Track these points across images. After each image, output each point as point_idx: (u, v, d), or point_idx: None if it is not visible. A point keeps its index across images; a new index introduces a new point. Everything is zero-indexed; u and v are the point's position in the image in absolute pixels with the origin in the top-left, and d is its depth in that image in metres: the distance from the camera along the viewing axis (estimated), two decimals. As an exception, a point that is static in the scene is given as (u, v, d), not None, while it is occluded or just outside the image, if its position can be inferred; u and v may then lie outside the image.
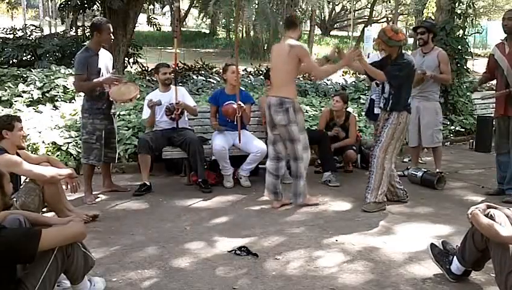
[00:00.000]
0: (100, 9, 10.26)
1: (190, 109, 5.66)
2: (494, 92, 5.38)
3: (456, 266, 3.17)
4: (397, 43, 4.59)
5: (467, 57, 8.87)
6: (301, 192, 4.76)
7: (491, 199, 5.01)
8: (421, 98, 5.75)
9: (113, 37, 5.09)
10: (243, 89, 6.00)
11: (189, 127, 5.76)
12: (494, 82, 5.32)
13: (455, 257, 3.17)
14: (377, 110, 6.03)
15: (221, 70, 8.73)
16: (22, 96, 7.23)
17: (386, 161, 4.72)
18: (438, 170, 5.87)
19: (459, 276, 3.18)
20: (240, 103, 5.50)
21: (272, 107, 4.69)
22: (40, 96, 7.39)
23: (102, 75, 4.95)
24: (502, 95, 5.01)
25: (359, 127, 7.27)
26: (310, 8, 23.66)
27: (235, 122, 5.55)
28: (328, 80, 11.53)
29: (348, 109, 6.43)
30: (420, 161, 6.44)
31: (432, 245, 3.37)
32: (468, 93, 9.03)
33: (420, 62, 5.74)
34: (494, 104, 5.50)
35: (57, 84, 7.61)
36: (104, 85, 4.94)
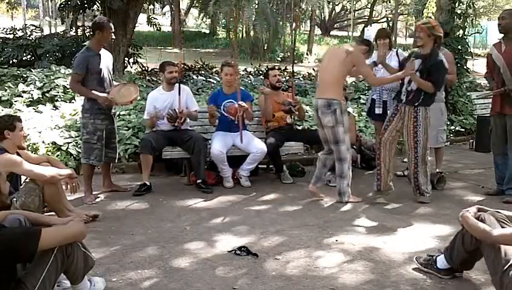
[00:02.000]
0: (100, 9, 10.25)
1: (192, 116, 5.66)
2: (491, 91, 5.37)
3: (442, 262, 3.24)
4: (437, 34, 4.74)
5: (467, 57, 8.88)
6: (345, 191, 4.91)
7: (491, 199, 5.03)
8: None
9: (114, 37, 5.08)
10: (242, 88, 6.00)
11: (190, 128, 5.76)
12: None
13: (441, 255, 3.26)
14: (378, 110, 6.04)
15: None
16: (22, 96, 7.23)
17: (427, 156, 4.93)
18: (438, 170, 5.87)
19: (449, 271, 3.23)
20: (241, 102, 5.51)
21: (319, 109, 4.85)
22: (40, 96, 7.39)
23: (103, 76, 4.95)
24: (498, 93, 5.02)
25: (359, 127, 7.28)
26: (310, 8, 23.69)
27: (237, 122, 5.56)
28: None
29: (348, 109, 6.41)
30: None
31: (417, 257, 3.46)
32: (468, 93, 9.03)
33: None
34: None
35: (57, 84, 7.61)
36: (105, 85, 4.95)
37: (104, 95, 4.89)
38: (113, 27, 5.00)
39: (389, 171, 5.04)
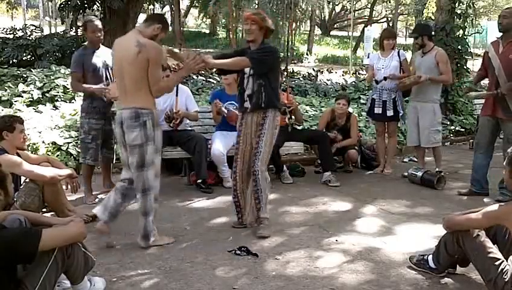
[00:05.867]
0: (100, 9, 10.26)
1: (191, 116, 5.63)
2: (485, 91, 5.33)
3: (432, 262, 3.28)
4: (269, 26, 3.98)
5: (467, 57, 8.90)
6: (151, 230, 3.75)
7: (491, 198, 5.02)
8: (419, 98, 5.79)
9: (99, 35, 4.94)
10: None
11: (189, 128, 5.75)
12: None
13: (430, 256, 3.30)
14: (377, 110, 6.06)
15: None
16: (22, 96, 7.23)
17: (267, 172, 4.11)
18: (437, 169, 5.88)
19: (441, 269, 3.26)
20: None
21: (124, 122, 3.66)
22: (40, 96, 7.39)
23: (100, 73, 4.95)
24: (490, 96, 4.96)
25: (359, 127, 7.29)
26: (310, 8, 23.71)
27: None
28: (327, 80, 11.55)
29: (348, 110, 6.43)
30: (415, 160, 6.50)
31: (410, 257, 3.48)
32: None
33: (420, 62, 5.77)
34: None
35: (57, 84, 7.61)
36: (103, 82, 4.94)
37: (100, 86, 4.87)
38: (98, 25, 4.94)
39: (250, 203, 4.17)
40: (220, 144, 5.47)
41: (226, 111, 5.53)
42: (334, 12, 34.75)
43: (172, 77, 3.90)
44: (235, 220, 4.27)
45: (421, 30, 5.86)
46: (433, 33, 6.00)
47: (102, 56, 5.00)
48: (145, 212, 3.72)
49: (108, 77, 5.08)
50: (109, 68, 5.08)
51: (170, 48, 4.01)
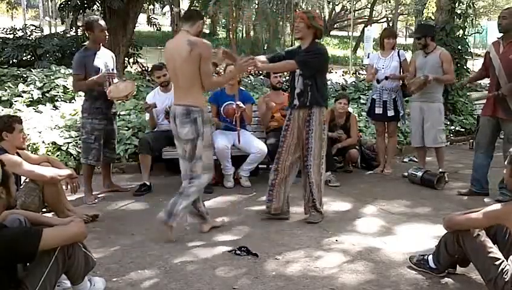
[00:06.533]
0: (100, 9, 10.23)
1: None
2: (486, 92, 5.33)
3: (432, 262, 3.29)
4: (318, 26, 4.22)
5: (467, 57, 8.90)
6: (178, 214, 3.86)
7: (490, 198, 5.02)
8: (425, 98, 5.76)
9: (107, 34, 5.02)
10: (243, 89, 6.00)
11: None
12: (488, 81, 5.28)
13: (430, 256, 3.31)
14: (378, 110, 6.06)
15: (221, 71, 8.74)
16: (22, 96, 7.23)
17: (322, 167, 4.35)
18: (440, 170, 5.88)
19: (441, 269, 3.26)
20: (238, 103, 5.51)
21: (177, 118, 3.91)
22: (40, 96, 7.39)
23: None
24: (491, 97, 4.95)
25: (359, 127, 7.29)
26: (310, 8, 23.70)
27: (234, 123, 5.56)
28: (327, 80, 11.55)
29: (348, 109, 6.43)
30: (415, 160, 6.49)
31: (410, 257, 3.49)
32: (468, 93, 9.05)
33: (423, 62, 5.75)
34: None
35: (57, 84, 7.61)
36: (104, 83, 4.93)
37: (101, 73, 4.87)
38: (104, 25, 4.97)
39: (285, 193, 4.43)
40: (223, 140, 5.48)
41: (221, 124, 5.69)
42: (334, 12, 34.72)
43: (224, 76, 4.47)
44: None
45: (425, 31, 5.84)
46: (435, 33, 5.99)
47: (103, 57, 5.00)
48: (183, 193, 3.91)
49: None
50: (110, 69, 5.09)
51: (226, 49, 4.32)
